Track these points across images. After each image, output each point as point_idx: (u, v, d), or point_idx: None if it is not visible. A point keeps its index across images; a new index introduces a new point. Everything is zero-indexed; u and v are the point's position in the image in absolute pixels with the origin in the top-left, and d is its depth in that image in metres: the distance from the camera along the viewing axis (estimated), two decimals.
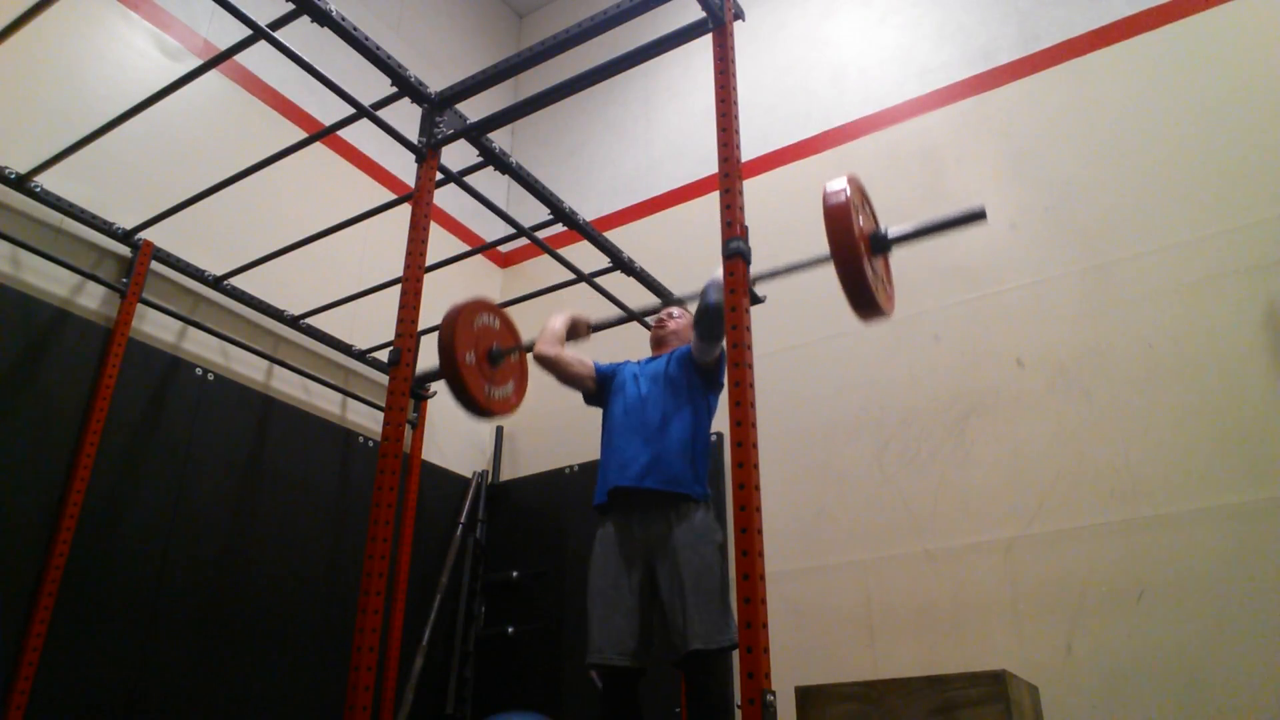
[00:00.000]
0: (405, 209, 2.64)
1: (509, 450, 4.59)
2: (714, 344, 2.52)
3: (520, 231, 3.35)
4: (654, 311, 3.71)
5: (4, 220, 2.90)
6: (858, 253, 1.86)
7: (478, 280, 4.87)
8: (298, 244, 3.34)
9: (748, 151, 2.54)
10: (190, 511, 3.17)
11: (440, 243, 3.88)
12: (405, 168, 4.04)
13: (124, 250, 3.20)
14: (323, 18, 2.35)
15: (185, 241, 3.36)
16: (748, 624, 1.58)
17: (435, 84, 2.71)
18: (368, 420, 4.02)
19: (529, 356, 3.02)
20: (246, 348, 3.55)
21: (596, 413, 2.84)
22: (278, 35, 2.46)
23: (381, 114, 2.73)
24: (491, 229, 4.81)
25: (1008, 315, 3.44)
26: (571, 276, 3.56)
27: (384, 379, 3.99)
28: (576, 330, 2.90)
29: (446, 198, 3.80)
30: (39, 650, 2.62)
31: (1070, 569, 2.99)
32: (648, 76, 4.99)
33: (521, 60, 2.54)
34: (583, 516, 3.83)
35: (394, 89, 2.63)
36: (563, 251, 3.54)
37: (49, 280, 2.99)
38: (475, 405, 2.77)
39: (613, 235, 3.73)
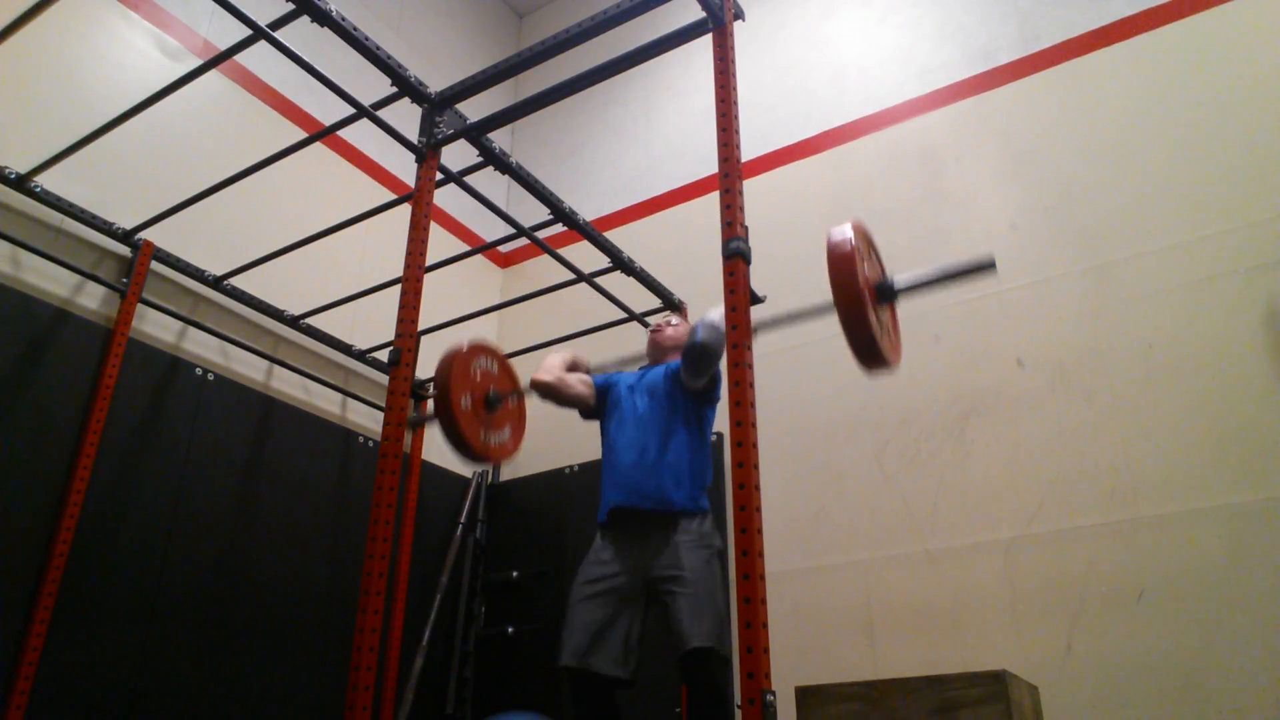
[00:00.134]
0: (405, 209, 2.65)
1: None
2: (698, 378, 2.49)
3: (520, 231, 3.35)
4: (655, 312, 3.73)
5: (4, 220, 2.90)
6: (862, 303, 1.81)
7: (478, 280, 4.87)
8: (298, 244, 3.34)
9: (748, 151, 2.54)
10: (190, 511, 3.17)
11: (440, 243, 3.88)
12: (405, 168, 4.04)
13: (124, 250, 3.20)
14: (323, 18, 2.35)
15: (185, 241, 3.36)
16: (748, 624, 1.58)
17: (435, 84, 2.71)
18: (368, 420, 4.02)
19: (527, 388, 3.00)
20: (246, 348, 3.55)
21: None
22: (278, 35, 2.46)
23: (381, 114, 2.73)
24: (491, 229, 4.81)
25: (1008, 315, 3.44)
26: (571, 276, 3.56)
27: (384, 379, 3.99)
28: (576, 368, 2.89)
29: (446, 198, 3.81)
30: (39, 650, 2.61)
31: (1070, 569, 2.99)
32: (648, 76, 4.99)
33: (521, 60, 2.54)
34: (583, 516, 3.83)
35: (394, 89, 2.63)
36: (563, 251, 3.54)
37: (49, 280, 2.99)
38: (470, 451, 2.74)
39: (613, 235, 3.73)
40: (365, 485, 3.78)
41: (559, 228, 3.32)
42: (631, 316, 3.69)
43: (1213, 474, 2.88)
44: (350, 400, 3.97)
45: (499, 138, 3.15)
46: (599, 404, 2.78)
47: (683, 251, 4.09)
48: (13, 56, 2.89)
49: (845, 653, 3.24)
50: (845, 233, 1.88)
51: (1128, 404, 3.09)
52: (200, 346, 3.42)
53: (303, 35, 2.49)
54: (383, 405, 3.25)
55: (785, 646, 3.12)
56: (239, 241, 3.51)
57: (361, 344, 3.97)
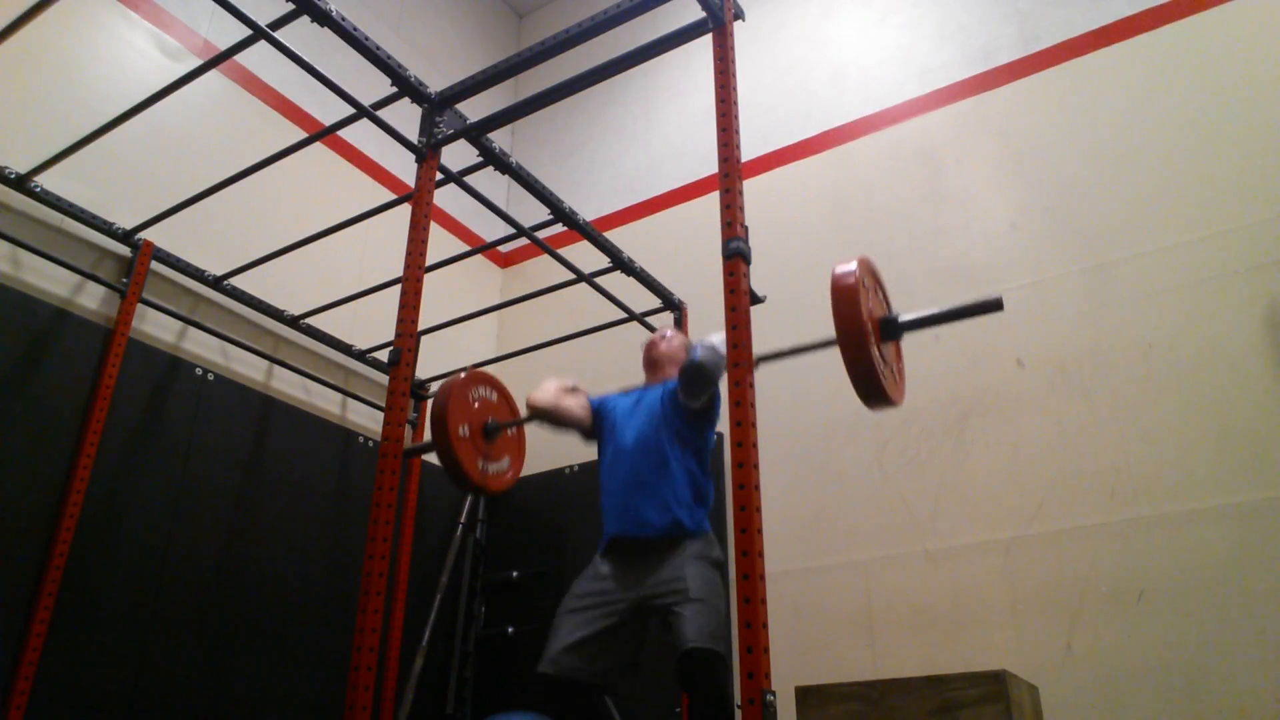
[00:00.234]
0: (405, 209, 2.64)
1: None
2: (695, 399, 2.47)
3: (520, 231, 3.35)
4: (655, 312, 3.73)
5: (4, 220, 2.90)
6: (865, 339, 1.77)
7: (478, 280, 4.87)
8: (298, 244, 3.34)
9: (748, 151, 2.54)
10: (190, 511, 3.17)
11: (440, 243, 3.88)
12: (405, 168, 4.04)
13: (124, 250, 3.20)
14: (323, 18, 2.35)
15: (185, 241, 3.37)
16: (747, 624, 1.58)
17: (435, 84, 2.71)
18: (368, 420, 4.02)
19: (526, 414, 2.98)
20: (246, 348, 3.55)
21: None
22: (278, 35, 2.46)
23: (381, 114, 2.73)
24: (491, 229, 4.81)
25: (1008, 315, 3.37)
26: (571, 276, 3.56)
27: (384, 379, 3.99)
28: (574, 391, 2.87)
29: (446, 198, 3.80)
30: (39, 650, 2.62)
31: (1070, 569, 2.99)
32: (648, 76, 4.99)
33: (521, 60, 2.54)
34: (583, 516, 3.83)
35: (394, 89, 2.63)
36: (563, 251, 3.54)
37: (49, 280, 2.99)
38: (467, 481, 2.73)
39: (613, 235, 3.73)
40: (365, 485, 3.78)
41: (559, 228, 3.32)
42: (631, 316, 3.69)
43: (1213, 474, 2.88)
44: (350, 400, 3.97)
45: (499, 138, 3.15)
46: (596, 425, 2.76)
47: (683, 251, 4.09)
48: (13, 56, 2.89)
49: (845, 653, 3.24)
50: (850, 266, 1.84)
51: (1128, 404, 3.09)
52: (200, 346, 3.42)
53: (303, 35, 2.49)
54: (383, 405, 3.25)
55: (785, 646, 3.12)
56: (239, 241, 3.51)
57: (361, 344, 3.97)
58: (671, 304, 3.67)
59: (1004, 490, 3.20)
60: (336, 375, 3.95)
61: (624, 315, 3.70)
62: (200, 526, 3.19)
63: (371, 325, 3.93)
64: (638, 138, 5.03)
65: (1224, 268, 3.08)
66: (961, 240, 3.66)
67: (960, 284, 3.58)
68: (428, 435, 4.13)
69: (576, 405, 2.76)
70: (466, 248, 4.13)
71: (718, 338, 2.48)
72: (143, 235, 3.20)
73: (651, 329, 3.65)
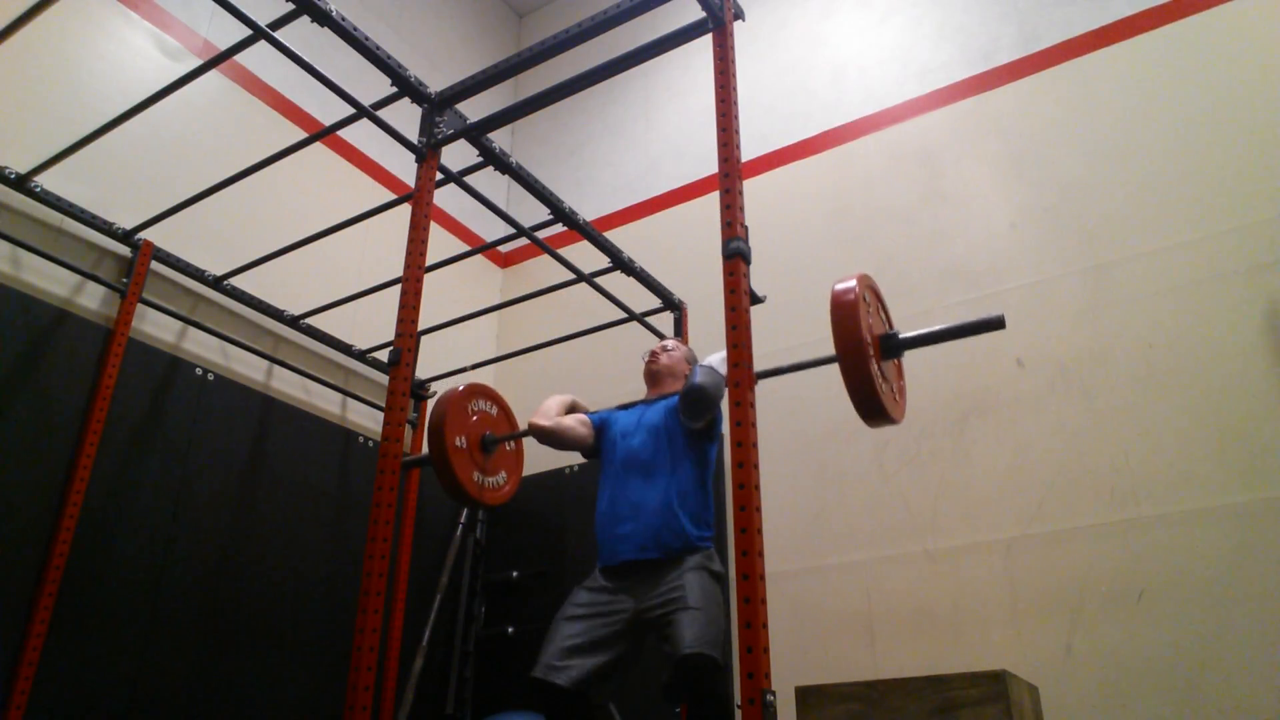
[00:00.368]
0: (405, 209, 2.64)
1: None
2: (696, 420, 2.48)
3: (520, 231, 3.35)
4: (655, 312, 3.72)
5: (4, 220, 2.90)
6: (865, 356, 1.78)
7: (478, 280, 4.87)
8: (298, 244, 3.34)
9: (748, 151, 2.54)
10: (190, 511, 3.17)
11: (440, 243, 3.88)
12: (405, 168, 4.04)
13: (124, 250, 3.20)
14: (323, 18, 2.35)
15: (185, 241, 3.36)
16: (747, 624, 1.58)
17: (435, 84, 2.71)
18: (368, 420, 4.02)
19: (525, 437, 2.98)
20: (246, 348, 3.55)
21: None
22: (278, 35, 2.46)
23: (381, 114, 2.73)
24: (491, 229, 4.81)
25: (1008, 315, 3.41)
26: (571, 276, 3.56)
27: (384, 379, 3.99)
28: (574, 409, 2.86)
29: (446, 198, 3.81)
30: (39, 650, 2.61)
31: (1070, 569, 2.98)
32: (648, 76, 4.99)
33: (521, 60, 2.54)
34: (583, 517, 3.83)
35: (394, 89, 2.63)
36: (563, 251, 3.53)
37: (49, 280, 2.99)
38: (463, 493, 2.72)
39: (613, 235, 3.73)
40: (365, 485, 3.78)
41: (559, 228, 3.32)
42: (631, 316, 3.69)
43: (1213, 474, 2.88)
44: (350, 400, 3.97)
45: (499, 138, 3.15)
46: (597, 443, 2.75)
47: (683, 251, 4.09)
48: (13, 56, 2.89)
49: (845, 653, 3.24)
50: (850, 283, 1.83)
51: (1128, 404, 3.09)
52: (200, 346, 3.42)
53: (303, 35, 2.49)
54: (383, 405, 3.25)
55: (785, 646, 3.12)
56: (239, 241, 3.51)
57: (361, 344, 3.97)
58: (671, 304, 3.67)
59: (1004, 490, 3.20)
60: (336, 375, 3.95)
61: (624, 315, 3.70)
62: (200, 526, 3.19)
63: (371, 325, 3.94)
64: (638, 137, 5.03)
65: (1224, 268, 3.08)
66: (961, 240, 3.66)
67: (960, 284, 3.58)
68: (426, 446, 4.15)
69: (578, 424, 2.75)
70: (466, 248, 4.13)
71: (718, 358, 2.48)
72: (143, 235, 3.20)
73: (652, 329, 3.66)
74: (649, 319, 3.71)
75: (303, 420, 3.72)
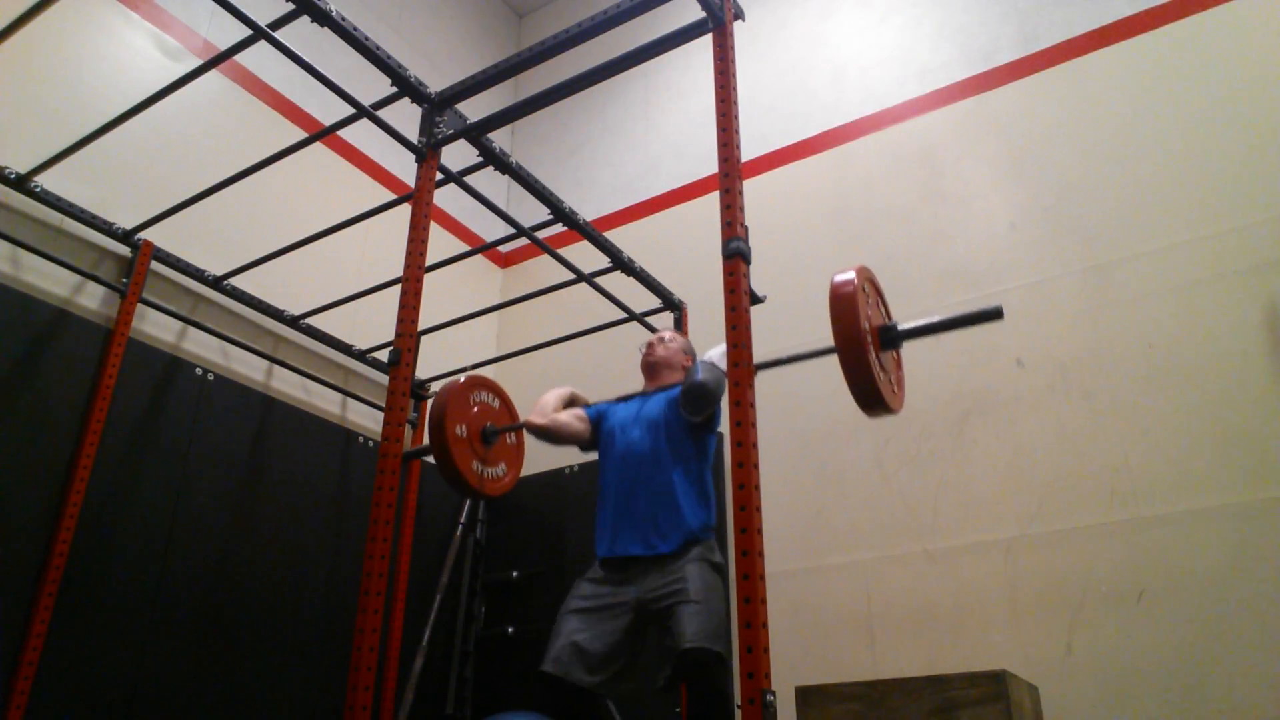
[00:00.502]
0: (405, 209, 2.64)
1: None
2: (697, 415, 2.50)
3: (520, 231, 3.35)
4: (655, 313, 3.72)
5: (4, 220, 2.90)
6: (864, 348, 1.79)
7: (478, 280, 4.87)
8: (298, 244, 3.34)
9: (748, 151, 2.54)
10: (190, 511, 3.17)
11: (440, 243, 3.88)
12: (405, 168, 4.04)
13: (124, 250, 3.20)
14: (323, 18, 2.35)
15: (185, 241, 3.36)
16: (747, 624, 1.58)
17: (435, 84, 2.71)
18: (368, 420, 4.02)
19: (525, 441, 3.01)
20: (246, 348, 3.55)
21: None
22: (278, 35, 2.46)
23: (381, 114, 2.73)
24: (491, 229, 4.81)
25: (1008, 315, 3.40)
26: (571, 276, 3.56)
27: (384, 379, 3.99)
28: (573, 402, 2.88)
29: (446, 198, 3.80)
30: (39, 650, 2.61)
31: (1070, 569, 2.98)
32: (648, 76, 4.99)
33: (521, 60, 2.54)
34: (583, 516, 3.82)
35: (394, 89, 2.63)
36: (563, 251, 3.54)
37: (49, 280, 2.99)
38: (462, 482, 2.73)
39: (613, 235, 3.73)
40: (365, 485, 3.78)
41: (559, 228, 3.32)
42: (631, 316, 3.69)
43: (1213, 474, 2.88)
44: (350, 400, 3.97)
45: (499, 138, 3.15)
46: (594, 436, 2.76)
47: (683, 251, 4.09)
48: (13, 56, 2.89)
49: (845, 653, 3.24)
50: (849, 275, 1.85)
51: (1128, 404, 3.09)
52: (200, 346, 3.42)
53: (303, 35, 2.49)
54: (383, 405, 3.25)
55: (785, 646, 3.12)
56: (239, 241, 3.51)
57: (361, 344, 3.97)
58: (671, 304, 3.67)
59: (1004, 490, 3.20)
60: (336, 375, 3.95)
61: (624, 315, 3.70)
62: (200, 526, 3.19)
63: (371, 325, 3.93)
64: (638, 137, 5.03)
65: (1224, 268, 3.08)
66: (961, 240, 3.66)
67: (960, 284, 3.58)
68: (427, 437, 4.15)
69: (574, 419, 2.77)
70: (466, 248, 4.13)
71: (718, 352, 2.49)
72: (143, 235, 3.20)
73: (652, 329, 3.65)
74: (649, 319, 3.71)
75: (303, 420, 3.72)
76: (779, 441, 3.54)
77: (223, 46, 2.66)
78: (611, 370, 3.96)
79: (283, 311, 3.65)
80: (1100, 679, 2.82)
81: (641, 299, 3.69)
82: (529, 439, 3.02)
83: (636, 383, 2.91)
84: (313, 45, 2.64)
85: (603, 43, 2.45)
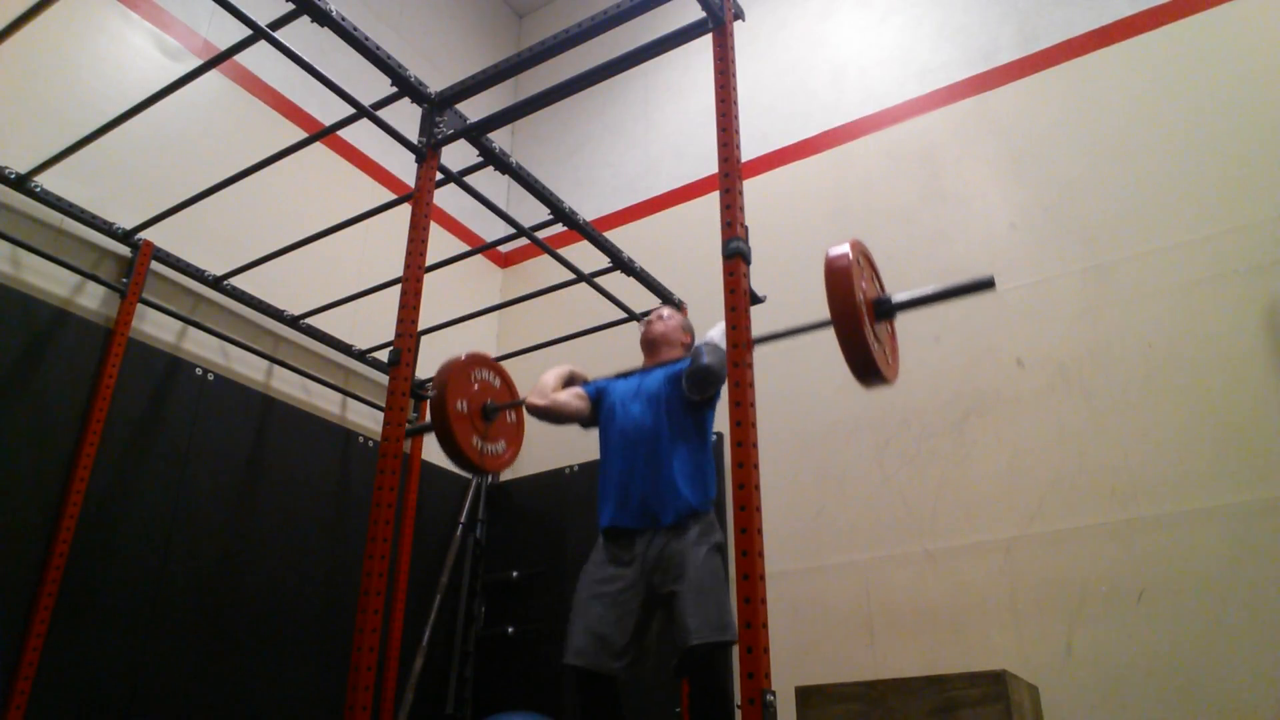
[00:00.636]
0: (405, 209, 2.64)
1: None
2: (702, 395, 2.56)
3: (520, 231, 3.35)
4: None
5: (4, 220, 2.90)
6: (859, 319, 1.83)
7: (478, 280, 4.87)
8: (298, 244, 3.34)
9: (748, 151, 2.54)
10: (190, 511, 3.17)
11: (440, 243, 3.88)
12: (405, 168, 4.04)
13: (124, 250, 3.20)
14: (323, 18, 2.35)
15: (185, 241, 3.36)
16: (747, 624, 1.58)
17: (435, 84, 2.71)
18: (368, 420, 4.02)
19: (525, 420, 3.02)
20: (246, 348, 3.55)
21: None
22: (278, 35, 2.46)
23: (381, 114, 2.73)
24: (491, 229, 4.81)
25: (1008, 315, 3.44)
26: (571, 276, 3.56)
27: (384, 379, 3.99)
28: (573, 381, 2.90)
29: (446, 198, 3.81)
30: (39, 650, 2.61)
31: (1070, 569, 2.98)
32: (648, 76, 4.99)
33: (521, 60, 2.54)
34: (583, 516, 3.83)
35: (394, 89, 2.63)
36: (563, 251, 3.54)
37: (49, 280, 2.99)
38: (462, 455, 2.76)
39: (613, 235, 3.73)
40: (365, 485, 3.78)
41: (559, 228, 3.32)
42: (631, 316, 3.69)
43: (1213, 474, 2.88)
44: (350, 400, 3.97)
45: (499, 137, 3.15)
46: (594, 413, 2.79)
47: (683, 251, 4.09)
48: (13, 56, 2.89)
49: (845, 653, 3.24)
50: (843, 249, 1.88)
51: (1128, 404, 3.09)
52: (200, 346, 3.42)
53: (303, 35, 2.49)
54: (383, 405, 3.25)
55: (785, 646, 3.12)
56: (239, 241, 3.51)
57: (361, 344, 3.97)
58: (671, 304, 3.67)
59: (1004, 490, 3.20)
60: (336, 375, 3.95)
61: (624, 315, 3.70)
62: (200, 526, 3.19)
63: (371, 325, 3.94)
64: (638, 137, 5.03)
65: (1224, 268, 3.08)
66: (961, 240, 3.66)
67: (959, 299, 3.58)
68: (427, 435, 4.14)
69: (573, 398, 2.80)
70: (466, 248, 4.13)
71: (719, 332, 2.51)
72: (143, 235, 3.20)
73: None
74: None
75: (303, 420, 3.72)
76: (779, 441, 3.54)
77: (223, 46, 2.66)
78: (611, 370, 3.96)
79: (283, 311, 3.65)
80: (1100, 679, 2.82)
81: (641, 299, 3.69)
82: (529, 440, 3.03)
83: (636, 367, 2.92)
84: (313, 45, 2.65)
85: (603, 43, 2.45)
